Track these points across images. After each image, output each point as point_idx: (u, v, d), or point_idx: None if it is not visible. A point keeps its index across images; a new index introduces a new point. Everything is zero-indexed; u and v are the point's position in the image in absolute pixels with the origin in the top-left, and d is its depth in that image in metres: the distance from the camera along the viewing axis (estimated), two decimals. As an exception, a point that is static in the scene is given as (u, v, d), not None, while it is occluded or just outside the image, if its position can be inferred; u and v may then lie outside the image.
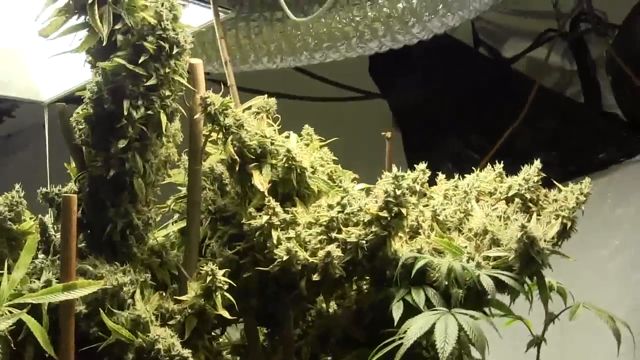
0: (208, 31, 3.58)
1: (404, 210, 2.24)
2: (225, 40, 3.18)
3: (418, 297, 2.25)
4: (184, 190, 2.70)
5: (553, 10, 5.22)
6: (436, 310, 2.21)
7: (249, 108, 2.58)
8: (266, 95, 2.68)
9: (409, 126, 5.54)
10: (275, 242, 2.34)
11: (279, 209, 2.38)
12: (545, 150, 5.18)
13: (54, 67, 4.39)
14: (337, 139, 2.73)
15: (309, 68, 4.87)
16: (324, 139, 2.70)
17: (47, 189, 2.65)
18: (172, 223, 2.71)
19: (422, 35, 3.75)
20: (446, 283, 2.25)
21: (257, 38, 3.97)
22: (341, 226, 2.33)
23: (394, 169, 2.29)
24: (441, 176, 2.74)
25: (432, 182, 2.68)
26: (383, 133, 3.15)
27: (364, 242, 2.29)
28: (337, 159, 2.70)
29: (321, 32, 3.80)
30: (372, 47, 3.87)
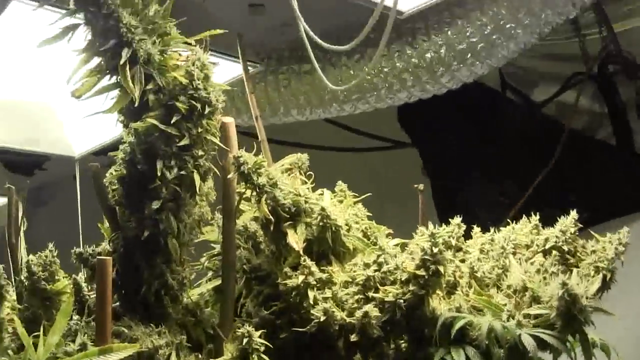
0: (237, 84, 3.57)
1: (441, 268, 2.22)
2: (255, 95, 3.16)
3: (458, 356, 2.21)
4: (217, 247, 2.68)
5: (580, 53, 5.18)
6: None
7: (283, 166, 2.56)
8: (298, 155, 2.65)
9: (438, 172, 5.51)
10: (311, 302, 2.32)
11: (314, 268, 2.36)
12: (576, 194, 5.13)
13: (84, 122, 4.42)
14: (370, 194, 2.71)
15: (338, 118, 4.85)
16: (357, 195, 2.68)
17: (80, 248, 2.63)
18: (206, 281, 2.69)
19: (451, 84, 3.73)
20: (487, 342, 2.21)
21: (286, 91, 3.97)
22: (378, 285, 2.31)
23: (430, 225, 2.26)
24: (476, 229, 2.70)
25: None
26: (415, 186, 3.13)
27: (401, 301, 2.26)
28: (370, 213, 2.68)
29: (350, 84, 3.78)
30: (401, 98, 3.85)
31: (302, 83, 3.93)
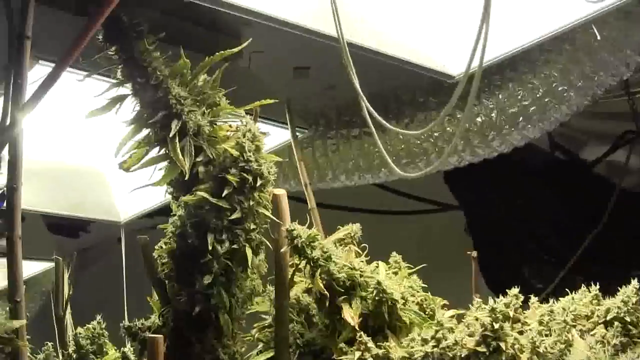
0: (284, 150, 3.54)
1: (502, 345, 2.14)
2: (305, 162, 3.13)
3: None
4: (268, 319, 2.63)
5: (630, 111, 5.10)
6: None
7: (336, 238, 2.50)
8: (352, 226, 2.60)
9: (484, 233, 5.44)
10: (368, 379, 2.25)
11: (371, 343, 2.29)
12: (628, 254, 5.03)
13: (130, 188, 4.41)
14: (425, 265, 2.65)
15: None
16: (412, 266, 2.62)
17: (125, 317, 2.59)
18: (257, 353, 2.63)
19: (502, 148, 3.67)
20: None
21: (335, 156, 3.92)
22: (437, 362, 2.23)
23: (490, 301, 2.19)
24: (533, 299, 2.63)
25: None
26: (469, 252, 3.08)
27: (461, 378, 2.18)
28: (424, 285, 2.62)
29: (399, 149, 3.74)
30: (452, 162, 3.80)
31: (351, 148, 3.89)
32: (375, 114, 2.43)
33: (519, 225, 5.36)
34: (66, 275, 3.08)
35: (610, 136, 5.35)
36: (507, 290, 2.46)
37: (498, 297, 2.43)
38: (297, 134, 3.38)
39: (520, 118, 3.50)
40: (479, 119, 3.55)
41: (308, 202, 3.04)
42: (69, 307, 3.07)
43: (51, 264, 5.54)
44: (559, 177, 5.37)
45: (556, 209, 5.24)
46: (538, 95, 3.42)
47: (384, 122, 2.47)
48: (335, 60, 3.84)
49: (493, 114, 3.52)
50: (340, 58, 3.37)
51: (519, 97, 3.47)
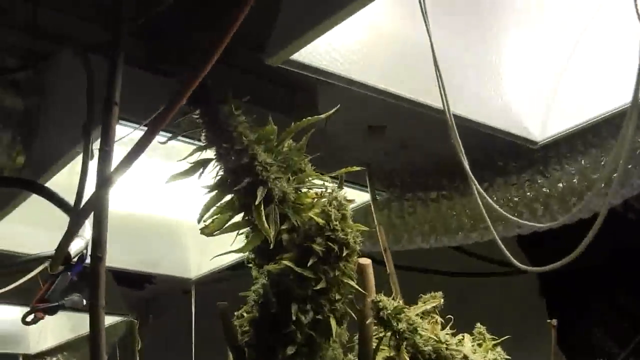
0: (359, 211, 3.51)
1: None
2: (384, 220, 3.10)
3: None
4: (346, 389, 2.59)
5: None
6: None
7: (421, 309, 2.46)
8: (436, 297, 2.55)
9: (556, 294, 5.35)
10: None
11: (457, 420, 2.24)
12: None
13: (204, 245, 4.40)
14: (509, 336, 2.59)
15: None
16: (496, 338, 2.56)
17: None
18: None
19: (583, 214, 3.60)
20: None
21: (411, 218, 3.89)
22: None
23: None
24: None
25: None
26: (548, 321, 3.02)
27: None
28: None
29: (477, 213, 3.69)
30: (531, 227, 3.74)
31: (429, 211, 3.85)
32: (475, 182, 2.37)
33: (596, 295, 5.27)
34: (139, 340, 3.06)
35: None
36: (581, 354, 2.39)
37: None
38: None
39: (602, 184, 3.43)
40: (560, 185, 3.50)
41: (387, 266, 3.00)
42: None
43: (116, 318, 5.56)
44: (633, 240, 5.27)
45: (632, 270, 5.14)
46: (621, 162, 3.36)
47: (481, 190, 2.41)
48: (408, 120, 3.83)
49: (575, 180, 3.46)
50: (412, 118, 3.36)
51: (602, 163, 3.41)
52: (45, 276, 4.74)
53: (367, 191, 3.30)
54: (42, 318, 4.56)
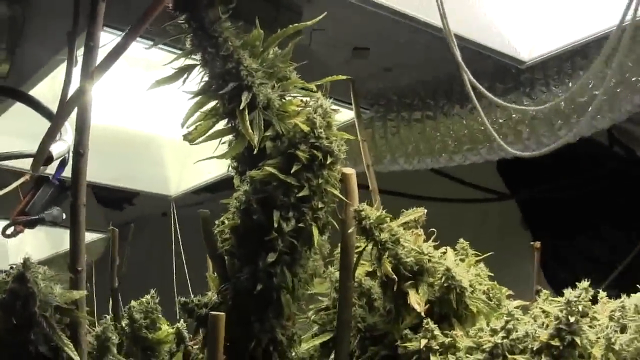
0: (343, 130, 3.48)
1: (577, 339, 2.06)
2: (367, 140, 3.05)
3: None
4: (324, 300, 2.56)
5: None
6: None
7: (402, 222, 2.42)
8: (418, 210, 2.51)
9: (538, 226, 5.36)
10: (434, 367, 2.18)
11: (437, 331, 2.22)
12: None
13: (183, 161, 4.37)
14: (492, 253, 2.57)
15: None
16: (479, 253, 2.54)
17: (185, 298, 2.52)
18: (312, 336, 2.56)
19: (569, 138, 3.58)
20: None
21: (394, 138, 3.85)
22: (506, 353, 2.15)
23: (567, 292, 2.10)
24: (602, 294, 2.54)
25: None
26: (532, 243, 3.00)
27: (532, 372, 2.10)
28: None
29: (462, 134, 3.66)
30: (515, 150, 3.71)
31: (412, 131, 3.81)
32: (480, 87, 2.34)
33: (576, 221, 5.27)
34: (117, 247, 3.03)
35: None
36: (564, 285, 2.37)
37: (556, 292, 2.35)
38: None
39: (590, 108, 3.40)
40: (546, 107, 3.46)
41: (370, 183, 2.96)
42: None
43: (96, 235, 5.53)
44: (617, 172, 5.27)
45: (614, 204, 5.14)
46: (610, 85, 3.32)
47: (489, 94, 2.37)
48: (393, 43, 3.79)
49: (562, 103, 3.42)
50: (397, 39, 3.31)
51: (590, 86, 3.38)
52: (25, 190, 4.72)
53: (350, 108, 3.25)
54: (22, 231, 4.53)
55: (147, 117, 4.09)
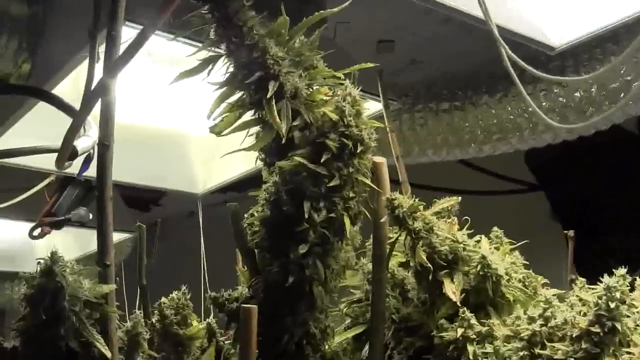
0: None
1: (618, 325, 2.00)
2: (396, 134, 3.01)
3: None
4: (357, 293, 2.53)
5: None
6: None
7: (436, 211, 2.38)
8: (452, 199, 2.47)
9: (569, 220, 5.29)
10: (471, 357, 2.13)
11: (473, 320, 2.17)
12: None
13: (210, 158, 4.34)
14: (527, 241, 2.52)
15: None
16: (514, 241, 2.49)
17: (214, 292, 2.49)
18: (345, 329, 2.53)
19: (601, 126, 3.53)
20: None
21: (422, 130, 3.81)
22: (545, 341, 2.10)
23: (607, 278, 2.05)
24: (639, 281, 2.50)
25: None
26: (566, 232, 2.96)
27: (572, 359, 2.05)
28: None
29: (491, 124, 3.61)
30: (546, 139, 3.66)
31: (440, 122, 3.77)
32: (526, 66, 2.29)
33: (605, 213, 5.21)
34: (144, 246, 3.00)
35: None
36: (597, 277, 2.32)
37: (589, 283, 2.30)
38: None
39: (622, 94, 3.35)
40: (577, 94, 3.41)
41: (399, 174, 2.92)
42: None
43: (123, 235, 5.52)
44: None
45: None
46: (641, 71, 3.27)
47: (536, 72, 2.32)
48: (418, 35, 3.75)
49: (593, 89, 3.37)
50: (423, 33, 3.27)
51: (622, 71, 3.32)
52: (51, 191, 4.71)
53: (378, 100, 3.21)
54: (49, 232, 4.53)
55: (173, 114, 4.06)
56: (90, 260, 2.13)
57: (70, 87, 3.47)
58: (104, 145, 2.02)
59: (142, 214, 6.66)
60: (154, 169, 4.50)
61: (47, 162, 2.61)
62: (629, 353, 2.10)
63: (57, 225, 4.42)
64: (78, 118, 2.22)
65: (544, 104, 3.48)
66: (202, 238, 4.47)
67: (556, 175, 5.28)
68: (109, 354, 1.93)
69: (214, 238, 4.49)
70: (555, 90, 3.43)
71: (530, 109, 3.49)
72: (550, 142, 3.72)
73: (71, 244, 5.81)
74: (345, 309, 2.54)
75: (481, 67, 3.55)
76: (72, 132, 2.21)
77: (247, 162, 3.96)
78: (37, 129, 3.63)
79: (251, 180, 4.03)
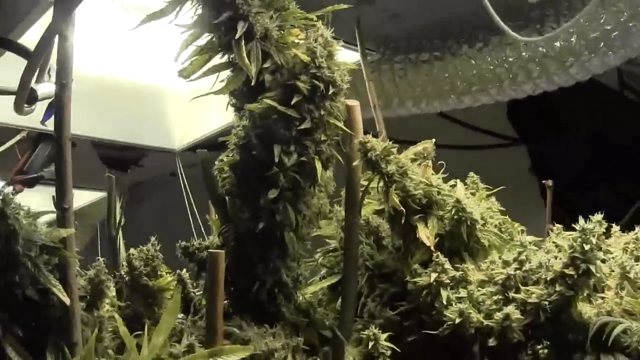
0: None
1: (592, 268, 1.97)
2: (374, 83, 2.95)
3: (610, 365, 1.95)
4: (332, 243, 2.48)
5: None
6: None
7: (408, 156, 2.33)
8: (426, 143, 2.42)
9: (547, 173, 5.25)
10: (445, 302, 2.09)
11: (448, 265, 2.13)
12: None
13: (187, 113, 4.28)
14: (504, 187, 2.48)
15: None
16: (490, 187, 2.45)
17: (186, 242, 2.44)
18: (320, 279, 2.48)
19: (580, 76, 3.47)
20: None
21: (402, 81, 3.75)
22: (519, 285, 2.06)
23: (582, 222, 2.01)
24: (615, 228, 2.46)
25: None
26: (544, 181, 2.92)
27: (546, 302, 2.01)
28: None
29: (471, 75, 3.56)
30: (526, 90, 3.61)
31: (420, 73, 3.71)
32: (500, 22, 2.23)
33: (586, 168, 5.18)
34: (118, 202, 2.94)
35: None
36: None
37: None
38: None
39: (602, 44, 3.29)
40: (557, 44, 3.35)
41: (377, 124, 2.86)
42: (121, 235, 2.94)
43: (102, 194, 5.46)
44: (628, 117, 5.16)
45: (625, 150, 5.04)
46: (622, 19, 3.20)
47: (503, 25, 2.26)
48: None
49: (573, 39, 3.31)
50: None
51: (601, 21, 3.26)
52: (23, 149, 4.63)
53: (355, 50, 3.15)
54: (21, 190, 4.46)
55: (149, 68, 3.99)
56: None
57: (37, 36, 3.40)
58: (62, 84, 1.95)
59: (123, 175, 6.59)
60: (130, 125, 4.44)
61: (18, 118, 2.53)
62: (602, 298, 2.07)
63: (30, 183, 4.34)
64: (33, 58, 2.15)
65: (524, 54, 3.43)
66: (185, 194, 4.42)
67: (537, 130, 5.24)
68: (67, 301, 1.86)
69: (197, 198, 4.44)
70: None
71: (511, 59, 3.44)
72: (530, 93, 3.66)
73: (47, 201, 5.75)
74: (320, 259, 2.50)
75: (461, 17, 3.49)
76: (28, 73, 2.14)
77: (227, 117, 3.91)
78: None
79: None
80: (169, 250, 2.49)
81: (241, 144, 2.20)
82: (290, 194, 2.18)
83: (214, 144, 4.45)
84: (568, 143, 5.20)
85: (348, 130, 2.23)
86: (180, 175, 4.52)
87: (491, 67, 3.50)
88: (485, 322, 2.05)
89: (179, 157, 4.63)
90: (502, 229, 2.35)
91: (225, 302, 2.23)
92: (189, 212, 4.51)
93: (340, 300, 2.32)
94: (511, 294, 2.07)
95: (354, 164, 2.23)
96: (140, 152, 5.55)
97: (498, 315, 2.04)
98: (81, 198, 5.47)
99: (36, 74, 2.27)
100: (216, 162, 2.32)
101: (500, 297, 2.08)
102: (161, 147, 4.66)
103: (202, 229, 4.04)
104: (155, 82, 4.10)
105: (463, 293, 2.11)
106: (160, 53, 3.67)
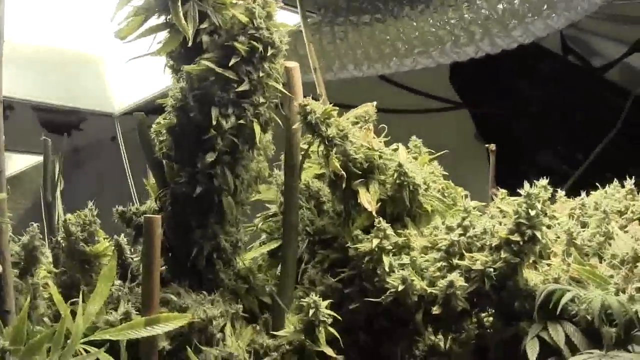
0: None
1: (538, 234, 1.93)
2: (315, 46, 2.89)
3: (556, 334, 1.90)
4: (272, 208, 2.43)
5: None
6: (591, 353, 1.85)
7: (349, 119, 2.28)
8: (367, 107, 2.37)
9: (492, 137, 5.24)
10: (387, 269, 2.05)
11: (390, 231, 2.09)
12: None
13: (125, 78, 4.21)
14: (447, 151, 2.44)
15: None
16: (433, 151, 2.41)
17: (123, 207, 2.37)
18: (260, 244, 2.43)
19: (523, 38, 3.44)
20: (589, 318, 1.89)
21: (343, 44, 3.70)
22: (464, 251, 2.02)
23: (527, 186, 1.98)
24: (561, 193, 2.44)
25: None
26: (487, 145, 2.88)
27: (491, 269, 1.97)
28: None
29: (412, 37, 3.51)
30: (468, 52, 3.57)
31: (361, 35, 3.65)
32: None
33: (530, 131, 5.17)
34: (57, 165, 2.87)
35: (626, 41, 5.12)
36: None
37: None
38: (305, 17, 3.14)
39: (545, 6, 3.26)
40: (500, 6, 3.32)
41: (317, 88, 2.81)
42: (59, 199, 2.87)
43: (40, 158, 5.37)
44: (571, 81, 5.16)
45: (568, 114, 5.05)
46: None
47: None
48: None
49: (516, 1, 3.28)
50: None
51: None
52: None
53: (296, 11, 3.09)
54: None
55: (86, 31, 3.91)
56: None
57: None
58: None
59: (63, 139, 6.49)
60: (69, 89, 4.37)
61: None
62: (549, 265, 2.04)
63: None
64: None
65: (466, 15, 3.39)
66: (124, 158, 4.34)
67: (480, 94, 5.22)
68: (-1, 268, 1.80)
69: (138, 163, 4.37)
70: (478, 2, 3.34)
71: (453, 21, 3.39)
72: (472, 56, 3.63)
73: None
74: (260, 224, 2.44)
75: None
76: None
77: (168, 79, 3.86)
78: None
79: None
80: (108, 216, 2.43)
81: (178, 107, 2.14)
82: (229, 157, 2.13)
83: (154, 107, 4.39)
84: (511, 107, 5.19)
85: (287, 93, 2.18)
86: (119, 139, 4.44)
87: (433, 29, 3.45)
88: (429, 290, 2.02)
89: (119, 121, 4.55)
90: (445, 194, 2.31)
91: (163, 268, 2.18)
92: (128, 177, 4.44)
93: (280, 266, 2.27)
94: (455, 261, 2.03)
95: (294, 127, 2.18)
96: (80, 115, 5.46)
97: (442, 283, 2.00)
98: (23, 162, 5.38)
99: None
100: (153, 125, 2.25)
101: (444, 263, 2.04)
102: (100, 111, 4.58)
103: (142, 194, 3.99)
104: (95, 46, 4.02)
105: (406, 260, 2.06)
106: (101, 17, 3.61)
